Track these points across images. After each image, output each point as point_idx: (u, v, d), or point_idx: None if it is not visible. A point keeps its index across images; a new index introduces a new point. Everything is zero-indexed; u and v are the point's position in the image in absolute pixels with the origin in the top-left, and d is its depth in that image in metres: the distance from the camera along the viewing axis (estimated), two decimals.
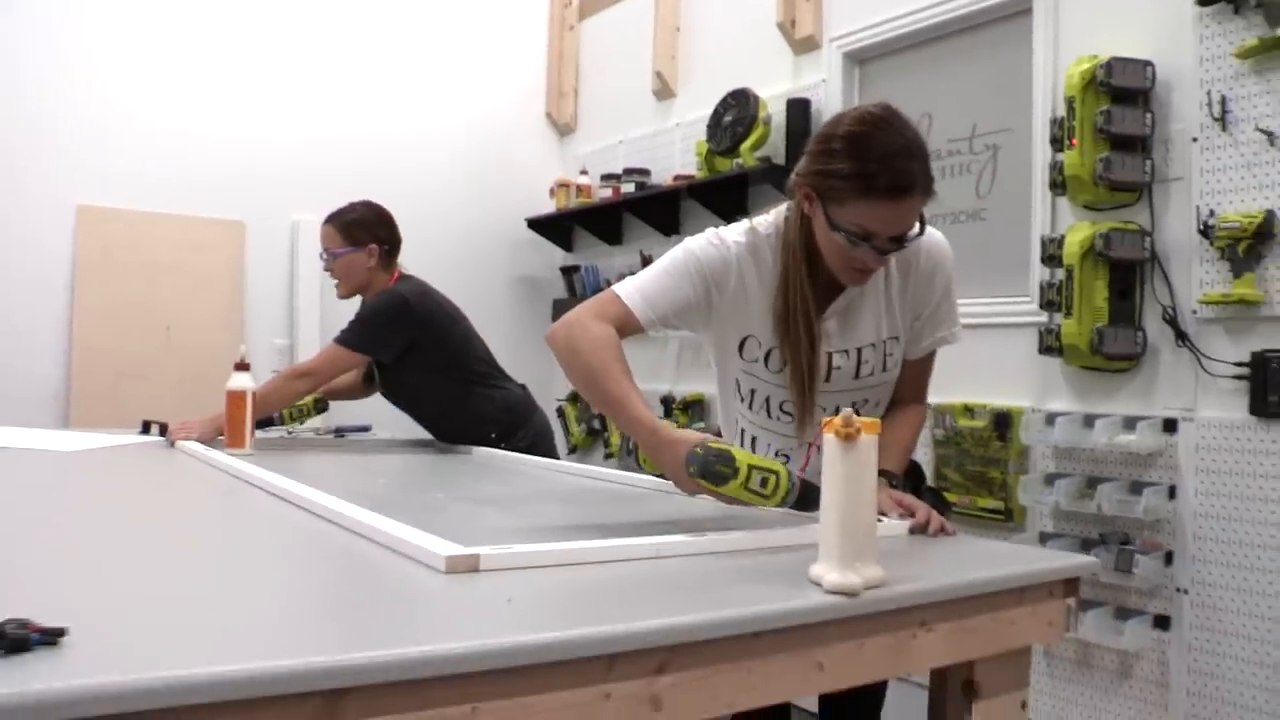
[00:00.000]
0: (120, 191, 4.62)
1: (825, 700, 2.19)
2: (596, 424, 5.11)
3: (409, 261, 3.44)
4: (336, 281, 3.24)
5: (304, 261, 5.01)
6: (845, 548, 1.21)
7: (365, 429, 3.74)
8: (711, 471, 1.54)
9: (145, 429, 3.33)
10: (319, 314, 5.03)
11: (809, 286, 1.85)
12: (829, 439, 1.23)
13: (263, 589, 1.24)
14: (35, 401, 4.40)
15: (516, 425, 3.22)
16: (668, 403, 4.62)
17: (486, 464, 2.86)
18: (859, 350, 1.94)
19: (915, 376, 2.05)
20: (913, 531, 1.69)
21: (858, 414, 1.23)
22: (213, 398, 4.33)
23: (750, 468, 1.56)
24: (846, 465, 1.20)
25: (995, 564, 1.49)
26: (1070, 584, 1.55)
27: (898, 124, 1.73)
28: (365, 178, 4.97)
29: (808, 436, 1.91)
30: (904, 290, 1.95)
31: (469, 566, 1.25)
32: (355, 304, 3.32)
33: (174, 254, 4.73)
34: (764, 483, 1.56)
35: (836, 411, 1.25)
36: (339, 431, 3.66)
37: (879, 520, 1.62)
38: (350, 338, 3.07)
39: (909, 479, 2.08)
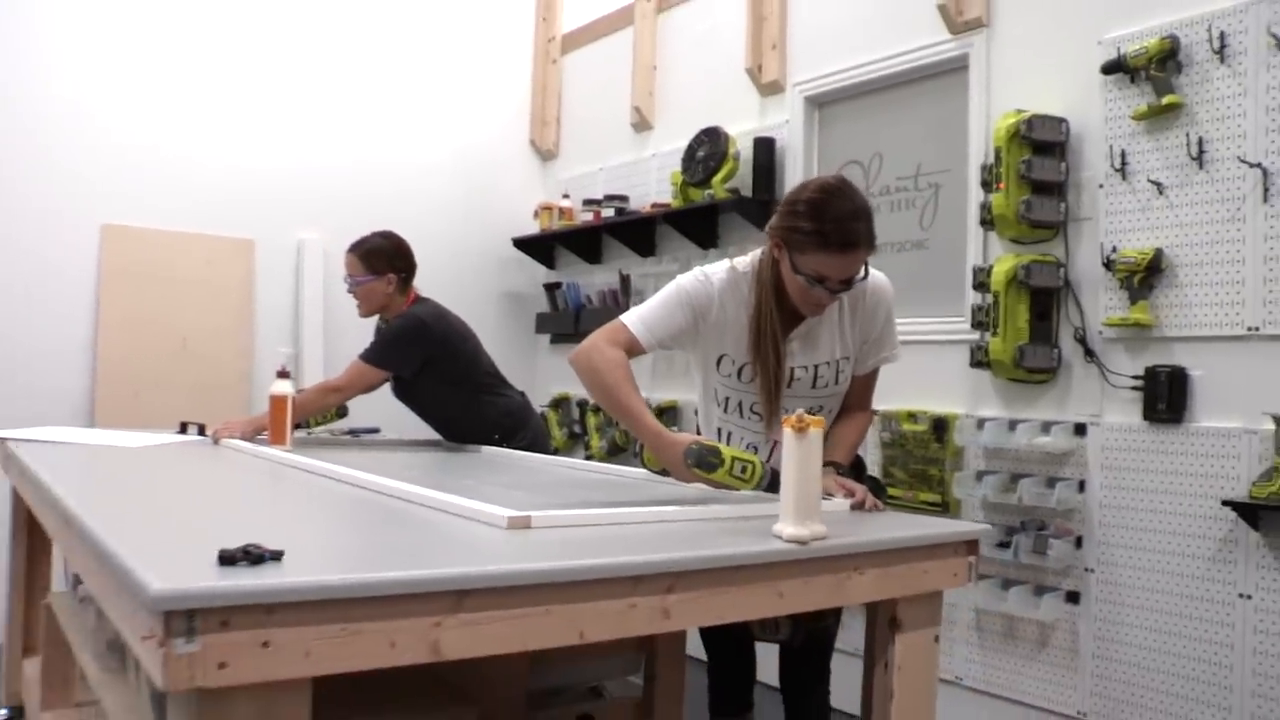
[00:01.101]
0: (140, 212, 5.03)
1: (783, 662, 2.64)
2: (577, 429, 5.55)
3: None
4: (358, 302, 3.66)
5: (308, 276, 5.45)
6: (798, 510, 1.68)
7: (375, 430, 4.16)
8: (705, 461, 2.02)
9: (183, 429, 3.72)
10: (322, 324, 5.45)
11: (777, 315, 2.32)
12: (786, 431, 1.70)
13: (379, 534, 1.69)
14: (63, 406, 4.78)
15: (517, 428, 3.66)
16: None
17: (495, 459, 3.30)
18: (816, 366, 2.40)
19: (862, 389, 2.52)
20: (853, 508, 2.16)
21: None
22: (225, 403, 4.81)
23: (733, 459, 2.03)
24: (799, 450, 1.67)
25: (912, 528, 1.97)
26: (971, 545, 2.02)
27: (849, 192, 2.21)
28: (364, 200, 5.45)
29: (774, 433, 2.39)
30: (854, 320, 2.42)
31: (524, 524, 1.70)
32: (352, 314, 3.75)
33: (189, 270, 5.14)
34: (744, 470, 2.04)
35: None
36: (353, 432, 4.08)
37: (828, 498, 2.11)
38: (375, 356, 3.50)
39: (854, 469, 2.55)
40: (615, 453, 5.15)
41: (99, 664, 2.44)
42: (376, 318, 3.74)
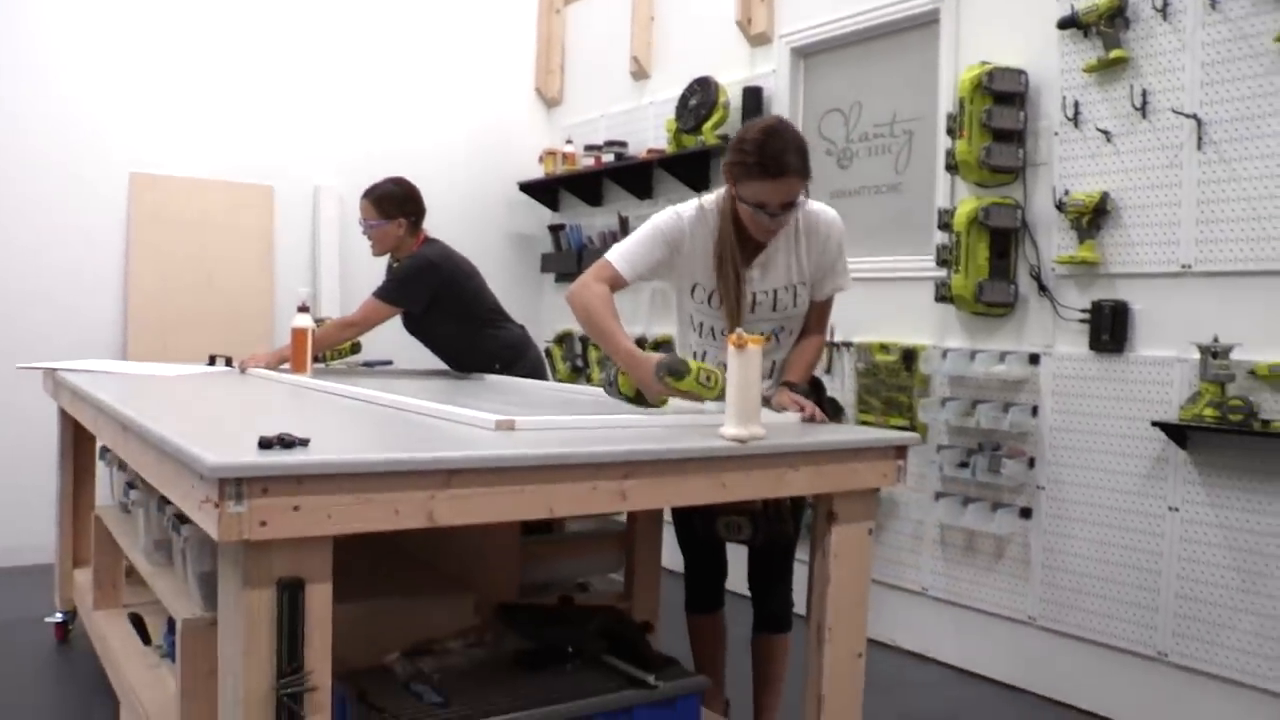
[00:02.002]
0: (166, 161, 5.34)
1: (751, 565, 2.96)
2: (580, 362, 5.88)
3: None
4: (371, 243, 3.97)
5: (324, 220, 5.76)
6: (738, 414, 2.00)
7: (388, 362, 4.50)
8: (674, 370, 2.32)
9: (211, 361, 4.05)
10: (337, 264, 5.77)
11: (737, 244, 2.63)
12: (730, 348, 2.01)
13: (387, 431, 2.02)
14: (98, 342, 5.14)
15: (517, 358, 3.99)
16: (640, 343, 5.39)
17: (497, 385, 3.63)
18: (775, 291, 2.71)
19: (818, 315, 2.82)
20: (803, 420, 2.48)
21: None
22: (248, 338, 5.14)
23: (699, 369, 2.34)
24: (739, 363, 1.99)
25: (844, 434, 2.29)
26: (900, 450, 2.34)
27: (784, 130, 2.53)
28: (378, 148, 5.76)
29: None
30: (809, 250, 2.71)
31: (509, 426, 2.03)
32: (365, 254, 4.08)
33: (213, 215, 5.46)
34: (708, 379, 2.34)
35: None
36: (368, 364, 4.41)
37: (783, 411, 2.43)
38: (387, 294, 3.82)
39: (814, 390, 2.87)
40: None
41: (148, 560, 2.80)
42: (388, 257, 4.05)
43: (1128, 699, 3.46)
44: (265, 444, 1.62)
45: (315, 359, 3.92)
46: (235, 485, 1.51)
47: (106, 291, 5.24)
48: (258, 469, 1.53)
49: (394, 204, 3.91)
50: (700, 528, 2.75)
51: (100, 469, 3.87)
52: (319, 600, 1.61)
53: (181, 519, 2.40)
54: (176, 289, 5.34)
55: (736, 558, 2.96)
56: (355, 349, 4.26)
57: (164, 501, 2.61)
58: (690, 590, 3.03)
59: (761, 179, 2.48)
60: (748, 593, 2.93)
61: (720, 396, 2.36)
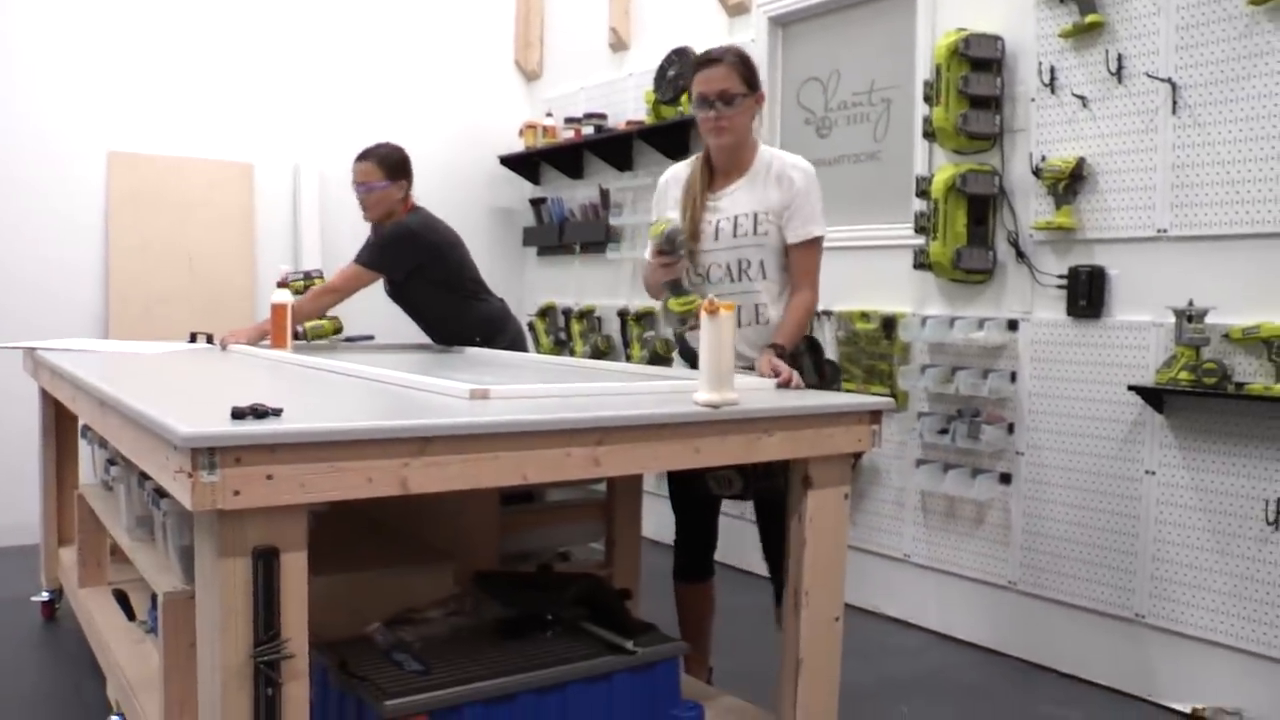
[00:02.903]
0: (145, 139, 5.31)
1: (761, 532, 2.97)
2: (563, 335, 5.87)
3: None
4: (367, 209, 3.92)
5: (305, 197, 5.74)
6: (711, 379, 2.01)
7: (370, 337, 4.49)
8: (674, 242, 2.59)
9: (193, 339, 4.04)
10: (320, 241, 5.75)
11: (704, 174, 2.88)
12: (704, 315, 2.03)
13: (362, 401, 2.03)
14: (80, 322, 5.13)
15: (498, 332, 3.98)
16: (623, 314, 5.40)
17: (475, 357, 3.64)
18: (736, 217, 2.82)
19: (799, 267, 2.83)
20: (778, 387, 2.50)
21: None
22: (230, 316, 5.13)
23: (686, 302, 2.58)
24: (712, 329, 2.00)
25: (819, 399, 2.31)
26: (875, 415, 2.36)
27: (728, 47, 2.86)
28: (358, 124, 5.72)
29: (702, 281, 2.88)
30: (778, 184, 2.82)
31: (484, 395, 2.03)
32: (348, 232, 4.06)
33: (193, 193, 5.44)
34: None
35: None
36: (349, 339, 4.41)
37: (762, 377, 2.45)
38: (367, 259, 3.81)
39: (811, 351, 2.89)
40: (598, 356, 5.48)
41: (130, 536, 2.81)
42: (370, 225, 4.02)
43: (1106, 661, 3.50)
44: (238, 414, 1.63)
45: (295, 335, 3.92)
46: (208, 455, 1.52)
47: (87, 271, 5.22)
48: (230, 438, 1.53)
49: (399, 166, 3.90)
50: (699, 488, 2.79)
51: (82, 447, 3.87)
52: (294, 568, 1.63)
53: (161, 493, 2.41)
54: (157, 268, 5.33)
55: (728, 531, 2.99)
56: (336, 330, 4.26)
57: (144, 477, 2.62)
58: (680, 558, 3.05)
59: (697, 70, 2.81)
60: (740, 566, 2.97)
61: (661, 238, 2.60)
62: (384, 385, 2.36)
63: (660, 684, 2.31)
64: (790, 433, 2.18)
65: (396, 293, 3.97)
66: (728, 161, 2.87)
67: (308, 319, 3.94)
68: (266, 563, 1.60)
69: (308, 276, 4.25)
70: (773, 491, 2.79)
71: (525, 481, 1.80)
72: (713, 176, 2.88)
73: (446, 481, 1.72)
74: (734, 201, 2.84)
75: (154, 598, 2.98)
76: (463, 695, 2.04)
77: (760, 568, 3.05)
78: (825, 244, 2.88)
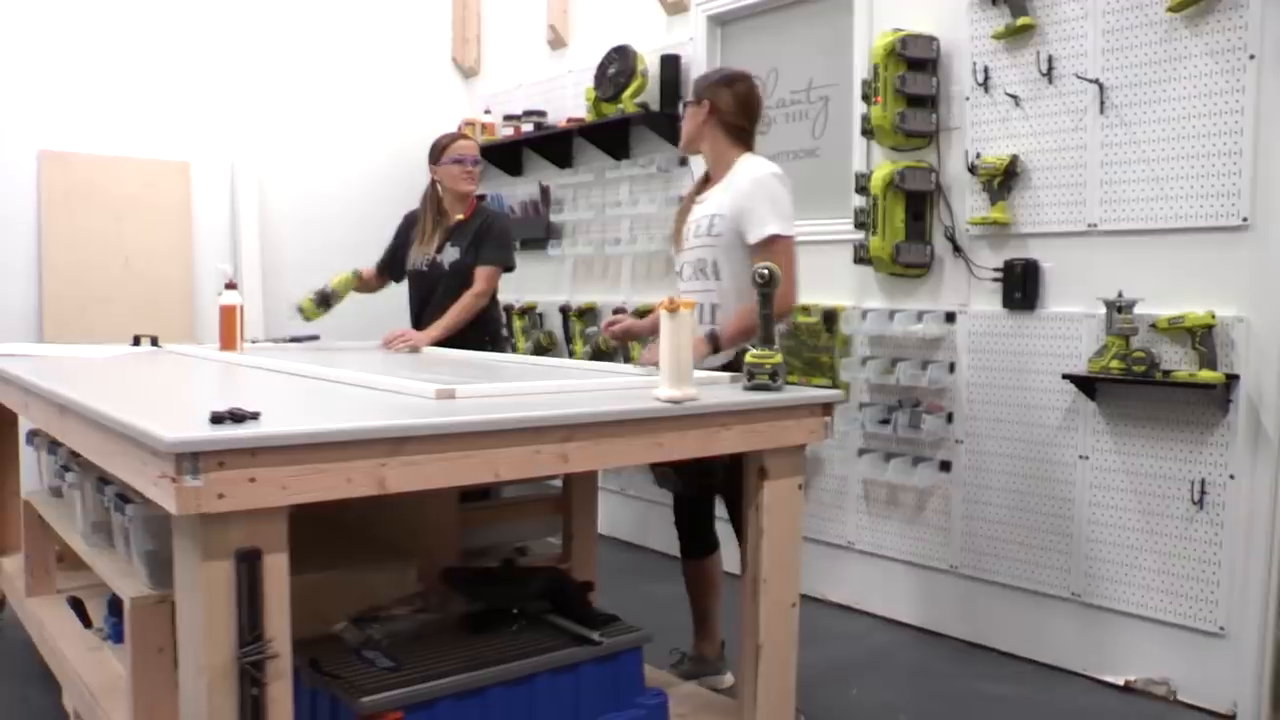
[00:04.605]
0: (77, 138, 5.23)
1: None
2: (543, 341, 5.82)
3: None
4: (471, 183, 4.00)
5: (242, 195, 5.69)
6: (671, 376, 2.08)
7: (315, 337, 4.47)
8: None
9: (136, 341, 4.00)
10: (258, 240, 5.71)
11: (701, 181, 3.21)
12: (663, 312, 2.09)
13: (333, 403, 2.06)
14: (13, 323, 5.03)
15: (499, 335, 4.11)
16: (565, 310, 5.44)
17: (429, 357, 3.65)
18: (699, 220, 3.08)
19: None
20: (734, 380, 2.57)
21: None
22: (168, 315, 5.08)
23: None
24: (671, 326, 2.07)
25: (775, 394, 2.39)
26: (827, 407, 2.44)
27: None
28: (295, 121, 5.72)
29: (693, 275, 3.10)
30: (729, 189, 3.03)
31: (449, 395, 2.08)
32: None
33: (128, 192, 5.36)
34: None
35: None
36: (294, 339, 4.39)
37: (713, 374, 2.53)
38: (504, 257, 3.94)
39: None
40: (540, 352, 5.51)
41: (87, 542, 2.80)
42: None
43: (1044, 638, 3.64)
44: (217, 419, 1.65)
45: (325, 300, 4.05)
46: (192, 460, 1.55)
47: (19, 274, 5.12)
48: (213, 443, 1.56)
49: None
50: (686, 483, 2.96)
51: (28, 454, 3.81)
52: (276, 569, 1.66)
53: (124, 498, 2.41)
54: (93, 269, 5.25)
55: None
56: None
57: (103, 482, 2.61)
58: (680, 539, 3.21)
59: None
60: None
61: None
62: (346, 387, 2.39)
63: (624, 673, 2.38)
64: (748, 426, 2.26)
65: (460, 280, 3.90)
66: (711, 168, 3.16)
67: (464, 323, 3.85)
68: (250, 565, 1.63)
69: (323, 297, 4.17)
70: (707, 490, 2.90)
71: (497, 479, 1.85)
72: (703, 183, 3.19)
73: (423, 480, 1.76)
74: (704, 205, 3.10)
75: (111, 604, 2.99)
76: (435, 690, 2.09)
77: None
78: None
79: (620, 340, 3.30)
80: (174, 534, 1.71)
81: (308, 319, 4.07)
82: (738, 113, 3.09)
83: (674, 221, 3.26)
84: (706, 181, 3.17)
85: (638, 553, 4.82)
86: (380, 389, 2.27)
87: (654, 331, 3.06)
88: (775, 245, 2.91)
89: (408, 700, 2.05)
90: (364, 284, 4.18)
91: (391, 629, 2.32)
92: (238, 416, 1.66)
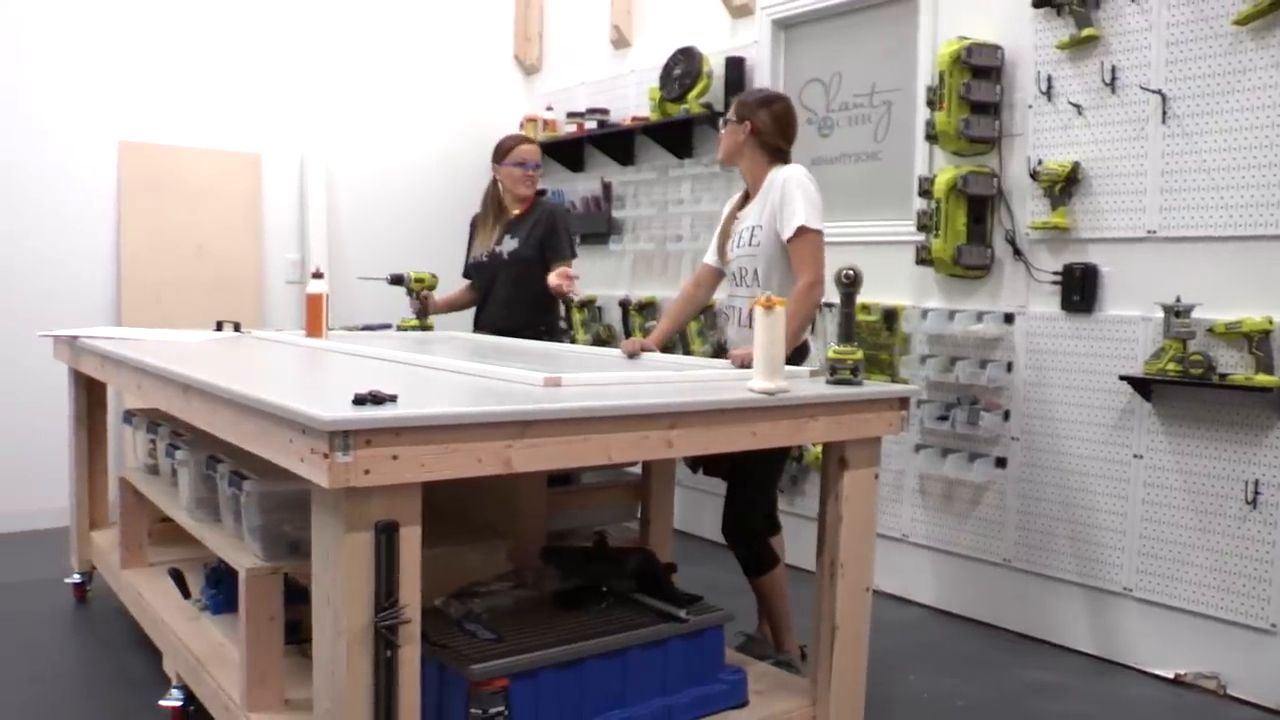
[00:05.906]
0: (155, 129, 5.42)
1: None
2: (602, 333, 5.98)
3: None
4: (531, 186, 4.16)
5: (311, 187, 5.87)
6: (765, 369, 2.22)
7: (387, 326, 4.64)
8: None
9: (219, 327, 4.17)
10: (325, 230, 5.89)
11: (742, 196, 3.40)
12: (757, 309, 2.22)
13: (455, 390, 2.21)
14: (92, 308, 5.24)
15: (557, 324, 4.27)
16: (624, 304, 5.57)
17: (510, 348, 3.79)
18: (742, 231, 3.29)
19: (794, 259, 3.16)
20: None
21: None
22: (239, 303, 5.26)
23: None
24: (765, 323, 2.21)
25: (857, 388, 2.51)
26: (902, 402, 2.57)
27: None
28: (361, 117, 5.88)
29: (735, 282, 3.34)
30: (765, 198, 3.24)
31: (556, 384, 2.22)
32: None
33: (201, 182, 5.55)
34: None
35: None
36: (367, 327, 4.56)
37: (794, 368, 2.65)
38: (573, 249, 4.12)
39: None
40: (599, 344, 5.64)
41: (193, 517, 2.96)
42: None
43: (1096, 632, 3.74)
44: (359, 400, 1.80)
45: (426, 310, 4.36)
46: (343, 437, 1.70)
47: (100, 260, 5.32)
48: (363, 422, 1.71)
49: None
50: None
51: (124, 432, 3.99)
52: (411, 541, 1.81)
53: (240, 475, 2.56)
54: (168, 256, 5.43)
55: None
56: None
57: (214, 460, 2.77)
58: (738, 559, 3.32)
59: None
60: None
61: None
62: (458, 375, 2.53)
63: (708, 649, 2.52)
64: (833, 417, 2.39)
65: (529, 272, 4.05)
66: (750, 184, 3.36)
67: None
68: (389, 535, 1.77)
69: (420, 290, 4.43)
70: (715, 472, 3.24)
71: (610, 461, 1.99)
72: (746, 198, 3.38)
73: (544, 460, 1.90)
74: (746, 217, 3.31)
75: (208, 576, 3.15)
76: (538, 660, 2.23)
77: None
78: (828, 239, 3.19)
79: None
80: (314, 508, 1.85)
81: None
82: (775, 133, 3.29)
83: (716, 238, 3.47)
84: (746, 199, 3.37)
85: (690, 541, 4.96)
86: (490, 377, 2.41)
87: (662, 340, 3.40)
88: (803, 236, 3.12)
89: (512, 669, 2.20)
90: (459, 299, 4.41)
91: (490, 604, 2.47)
92: (379, 399, 1.81)
